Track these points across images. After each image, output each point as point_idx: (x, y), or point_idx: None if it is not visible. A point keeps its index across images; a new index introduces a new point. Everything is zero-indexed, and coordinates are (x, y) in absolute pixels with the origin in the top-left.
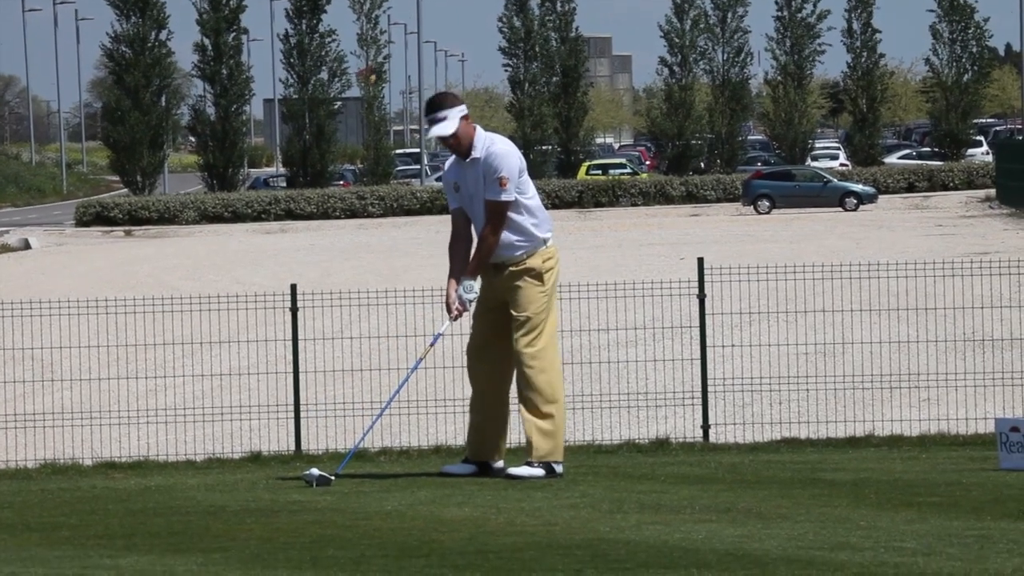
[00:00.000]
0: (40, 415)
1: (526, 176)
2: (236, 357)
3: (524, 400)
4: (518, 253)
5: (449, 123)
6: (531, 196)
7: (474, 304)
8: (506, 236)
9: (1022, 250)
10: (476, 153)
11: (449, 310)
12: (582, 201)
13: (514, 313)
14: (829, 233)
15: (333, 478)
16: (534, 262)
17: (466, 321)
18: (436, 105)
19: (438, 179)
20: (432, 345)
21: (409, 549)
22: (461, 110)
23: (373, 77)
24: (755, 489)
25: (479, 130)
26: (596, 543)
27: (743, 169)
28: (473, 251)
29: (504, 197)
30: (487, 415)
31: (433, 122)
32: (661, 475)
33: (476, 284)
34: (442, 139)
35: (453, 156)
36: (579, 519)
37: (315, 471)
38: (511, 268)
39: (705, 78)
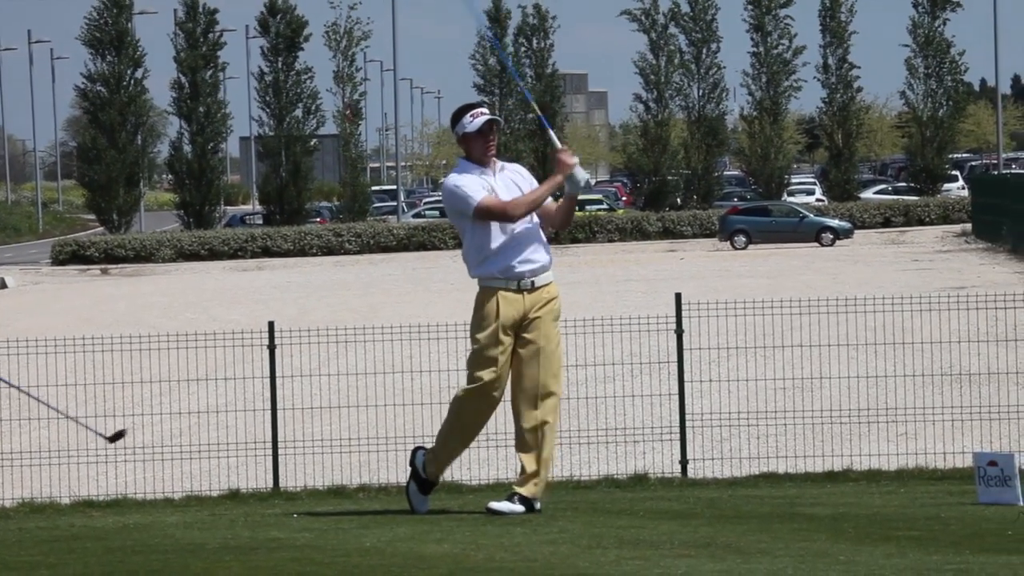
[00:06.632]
0: (17, 453)
1: None
2: (214, 394)
3: (548, 434)
4: (550, 270)
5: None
6: None
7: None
8: (543, 249)
9: (998, 285)
10: (497, 166)
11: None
12: (558, 237)
13: (551, 347)
14: (806, 268)
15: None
16: (557, 291)
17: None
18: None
19: (415, 215)
20: None
21: None
22: None
23: (349, 112)
24: (734, 524)
25: None
26: None
27: (719, 205)
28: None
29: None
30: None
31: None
32: (640, 510)
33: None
34: (494, 124)
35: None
36: (558, 555)
37: None
38: (545, 293)
39: (681, 114)
